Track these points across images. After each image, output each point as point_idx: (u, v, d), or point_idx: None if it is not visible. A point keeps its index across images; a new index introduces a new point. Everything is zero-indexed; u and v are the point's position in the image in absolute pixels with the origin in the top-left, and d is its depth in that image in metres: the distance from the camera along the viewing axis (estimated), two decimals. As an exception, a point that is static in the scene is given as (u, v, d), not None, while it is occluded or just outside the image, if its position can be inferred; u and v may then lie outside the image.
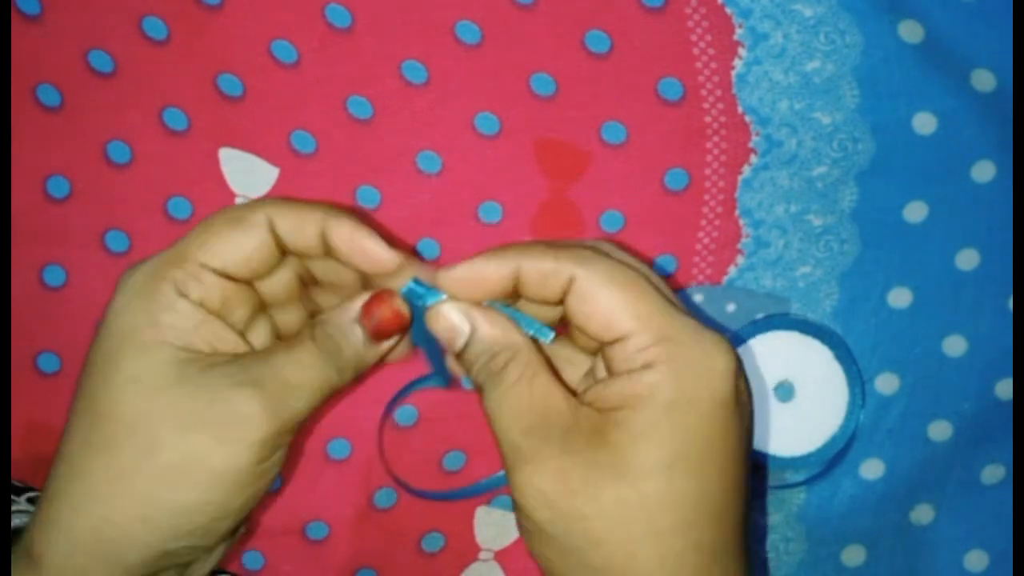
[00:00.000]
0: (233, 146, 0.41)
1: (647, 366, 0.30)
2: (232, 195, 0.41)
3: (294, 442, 0.39)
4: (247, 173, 0.41)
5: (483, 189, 0.41)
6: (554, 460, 0.30)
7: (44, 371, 0.42)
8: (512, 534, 0.43)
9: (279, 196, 0.35)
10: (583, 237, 0.41)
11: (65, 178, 0.41)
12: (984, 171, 0.40)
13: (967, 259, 0.41)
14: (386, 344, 0.33)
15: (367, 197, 0.41)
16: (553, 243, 0.33)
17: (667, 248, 0.41)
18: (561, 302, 0.32)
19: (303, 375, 0.32)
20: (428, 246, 0.41)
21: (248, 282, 0.34)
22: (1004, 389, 0.42)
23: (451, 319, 0.32)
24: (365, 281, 0.34)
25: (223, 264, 0.33)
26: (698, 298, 0.41)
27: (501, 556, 0.43)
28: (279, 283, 0.35)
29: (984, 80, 0.39)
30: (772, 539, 0.43)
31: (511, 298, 0.33)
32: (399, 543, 0.43)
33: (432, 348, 0.34)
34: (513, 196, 0.41)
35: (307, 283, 0.35)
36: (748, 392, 0.32)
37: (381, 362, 0.35)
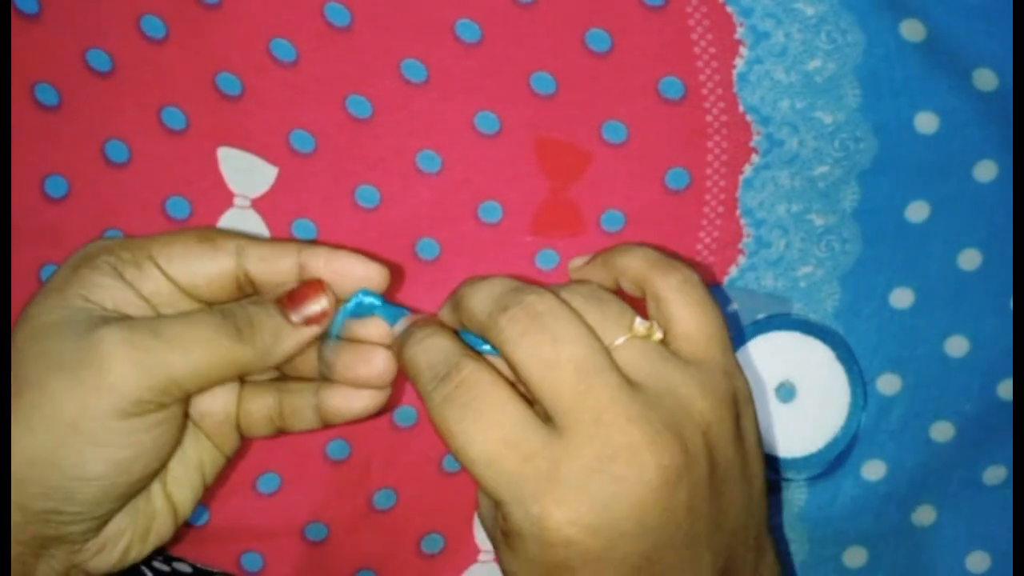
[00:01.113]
0: (232, 145, 0.41)
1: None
2: (231, 194, 0.41)
3: (296, 442, 0.38)
4: (246, 172, 0.41)
5: (483, 188, 0.41)
6: (519, 473, 0.28)
7: (42, 371, 0.42)
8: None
9: (253, 236, 0.34)
10: (584, 237, 0.41)
11: (63, 177, 0.41)
12: (986, 171, 0.40)
13: (969, 259, 0.41)
14: (307, 331, 0.32)
15: (366, 196, 0.41)
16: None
17: (668, 248, 0.41)
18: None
19: (192, 333, 0.30)
20: (427, 246, 0.41)
21: (187, 294, 0.33)
22: (1006, 389, 0.42)
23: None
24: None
25: (173, 272, 0.32)
26: (699, 298, 0.41)
27: (501, 557, 0.43)
28: (211, 270, 0.33)
29: (986, 79, 0.39)
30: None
31: None
32: (398, 544, 0.43)
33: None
34: (513, 195, 0.41)
35: (243, 284, 0.34)
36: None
37: (347, 420, 0.34)
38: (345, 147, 0.40)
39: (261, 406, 0.35)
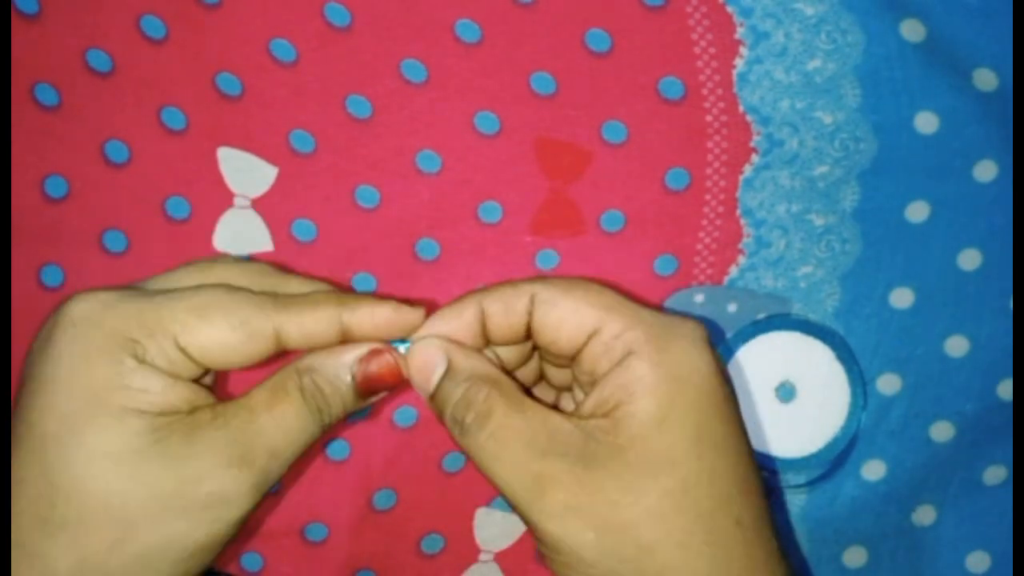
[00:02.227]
0: (232, 145, 0.41)
1: (629, 353, 0.30)
2: (231, 194, 0.41)
3: None
4: (246, 172, 0.41)
5: (483, 188, 0.41)
6: (583, 474, 0.29)
7: (42, 372, 0.42)
8: (512, 535, 0.43)
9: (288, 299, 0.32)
10: (584, 237, 0.41)
11: (63, 178, 0.41)
12: (986, 171, 0.40)
13: (969, 259, 0.41)
14: (372, 399, 0.32)
15: (366, 196, 0.41)
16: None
17: (668, 248, 0.41)
18: (528, 335, 0.32)
19: (290, 439, 0.30)
20: (428, 246, 0.41)
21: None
22: (1006, 390, 0.42)
23: (426, 354, 0.31)
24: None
25: (203, 356, 0.30)
26: (699, 298, 0.41)
27: (501, 557, 0.43)
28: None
29: (986, 79, 0.39)
30: (773, 540, 0.43)
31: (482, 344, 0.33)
32: (398, 544, 0.43)
33: None
34: (513, 195, 0.41)
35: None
36: (721, 359, 0.32)
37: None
38: (345, 147, 0.40)
39: None
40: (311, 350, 0.32)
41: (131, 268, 0.41)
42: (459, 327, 0.32)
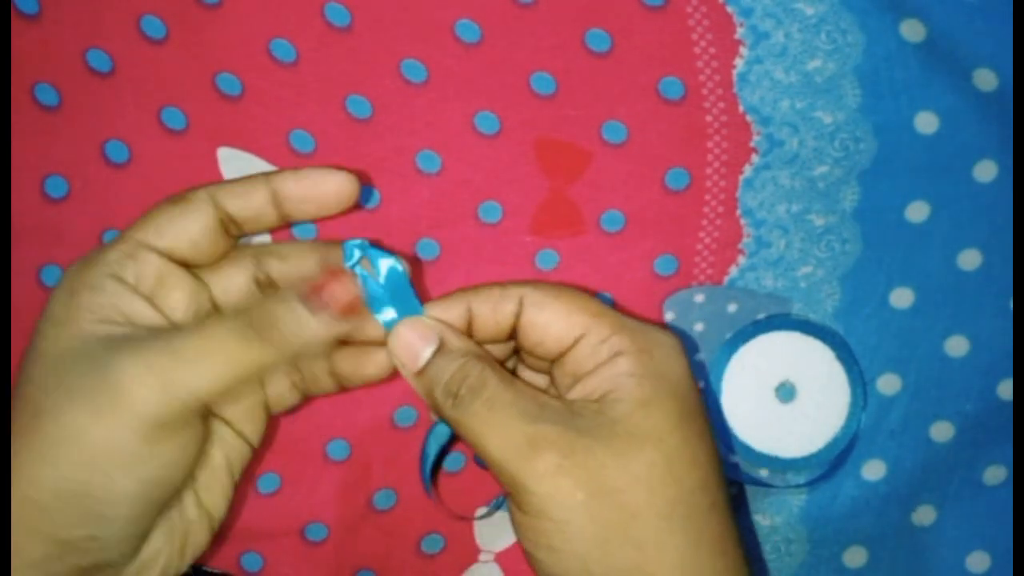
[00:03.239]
0: (232, 145, 0.40)
1: (617, 354, 0.32)
2: (231, 195, 0.41)
3: (295, 443, 0.39)
4: (246, 172, 0.40)
5: (483, 188, 0.41)
6: (574, 439, 0.30)
7: (42, 372, 0.42)
8: (513, 535, 0.43)
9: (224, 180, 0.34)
10: (584, 237, 0.41)
11: (63, 178, 0.41)
12: (986, 171, 0.40)
13: (969, 259, 0.41)
14: (336, 327, 0.31)
15: (366, 196, 0.41)
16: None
17: (668, 248, 0.41)
18: (511, 336, 0.34)
19: (207, 346, 0.29)
20: (427, 246, 0.41)
21: (193, 267, 0.33)
22: (1006, 390, 0.42)
23: (418, 330, 0.33)
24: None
25: (165, 243, 0.32)
26: (699, 298, 0.41)
27: (501, 557, 0.43)
28: (233, 284, 0.34)
29: (986, 79, 0.39)
30: (774, 541, 0.43)
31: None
32: (398, 545, 0.43)
33: (400, 307, 0.33)
34: (513, 196, 0.41)
35: (263, 286, 0.35)
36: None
37: (362, 382, 0.35)
38: (345, 147, 0.40)
39: (283, 380, 0.36)
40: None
41: (131, 268, 0.41)
42: (447, 321, 0.33)
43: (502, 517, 0.43)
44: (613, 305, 0.41)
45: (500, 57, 0.39)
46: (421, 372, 0.32)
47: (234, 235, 0.34)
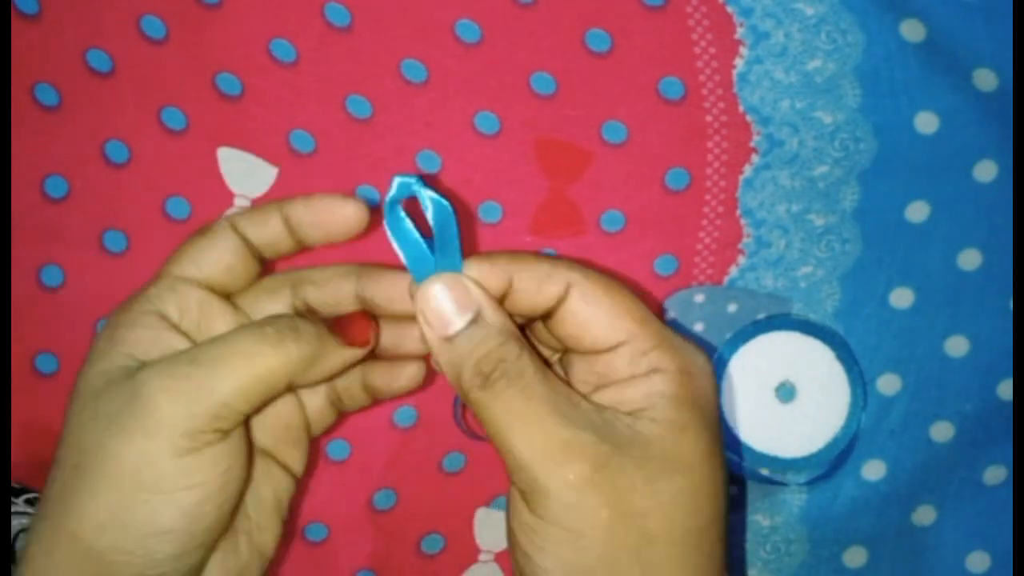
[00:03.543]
0: (232, 145, 0.41)
1: (655, 370, 0.30)
2: (231, 195, 0.41)
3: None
4: (246, 173, 0.41)
5: (483, 188, 0.41)
6: (609, 454, 0.29)
7: (42, 372, 0.42)
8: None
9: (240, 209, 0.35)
10: (584, 237, 0.41)
11: (63, 178, 0.41)
12: (986, 171, 0.40)
13: (969, 259, 0.41)
14: (354, 351, 0.32)
15: (367, 196, 0.41)
16: (537, 254, 0.32)
17: (668, 248, 0.41)
18: (546, 314, 0.31)
19: (228, 349, 0.29)
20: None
21: (231, 295, 0.34)
22: (1006, 390, 0.42)
23: (456, 292, 0.30)
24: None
25: (203, 273, 0.33)
26: (699, 298, 0.41)
27: (501, 558, 0.43)
28: (272, 311, 0.34)
29: (986, 79, 0.39)
30: (774, 541, 0.43)
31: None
32: (398, 545, 0.43)
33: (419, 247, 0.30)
34: (513, 196, 0.41)
35: (303, 314, 0.34)
36: None
37: (395, 394, 0.35)
38: (345, 147, 0.40)
39: (320, 398, 0.36)
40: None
41: (131, 268, 0.41)
42: (486, 285, 0.31)
43: (503, 517, 0.43)
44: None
45: (500, 57, 0.40)
46: (450, 339, 0.30)
47: (261, 259, 0.34)
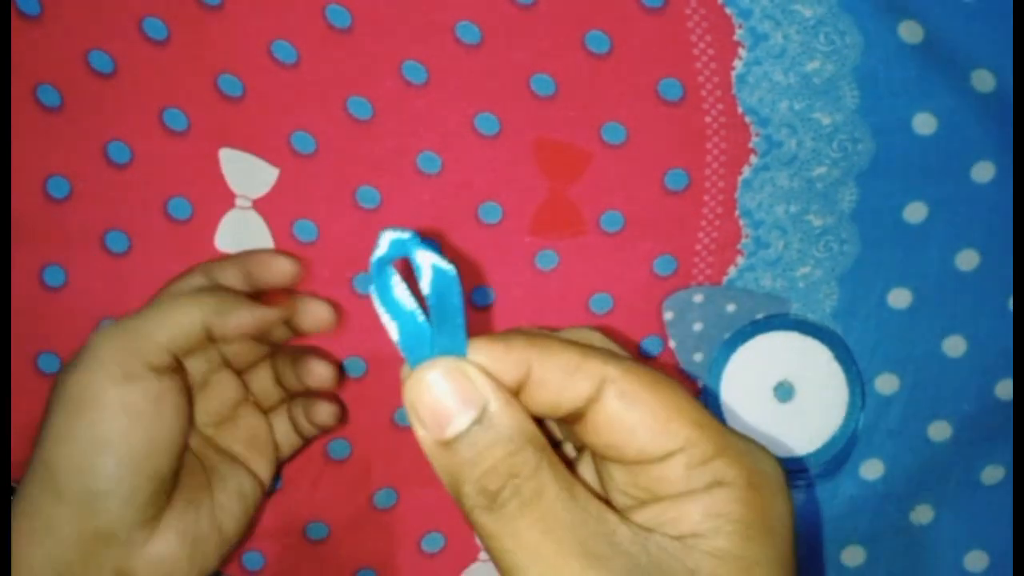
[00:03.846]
0: (233, 146, 0.41)
1: (718, 484, 0.24)
2: (232, 195, 0.41)
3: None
4: (247, 173, 0.41)
5: (483, 189, 0.41)
6: None
7: (44, 371, 0.42)
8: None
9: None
10: (583, 238, 0.41)
11: (65, 178, 0.41)
12: (984, 171, 0.40)
13: (967, 259, 0.41)
14: (264, 309, 0.36)
15: (367, 197, 0.41)
16: (558, 334, 0.26)
17: (667, 248, 0.41)
18: (572, 416, 0.25)
19: (158, 306, 0.35)
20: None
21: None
22: (1004, 390, 0.42)
23: (456, 381, 0.23)
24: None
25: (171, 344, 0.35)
26: (698, 298, 0.41)
27: (501, 556, 0.43)
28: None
29: (984, 80, 0.39)
30: (772, 539, 0.43)
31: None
32: (399, 543, 0.43)
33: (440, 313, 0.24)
34: (513, 196, 0.41)
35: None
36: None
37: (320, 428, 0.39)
38: (346, 148, 0.40)
39: (284, 422, 0.40)
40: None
41: (133, 268, 0.41)
42: (497, 374, 0.24)
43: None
44: (612, 308, 0.42)
45: (500, 58, 0.40)
46: (449, 443, 0.24)
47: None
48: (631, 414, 0.24)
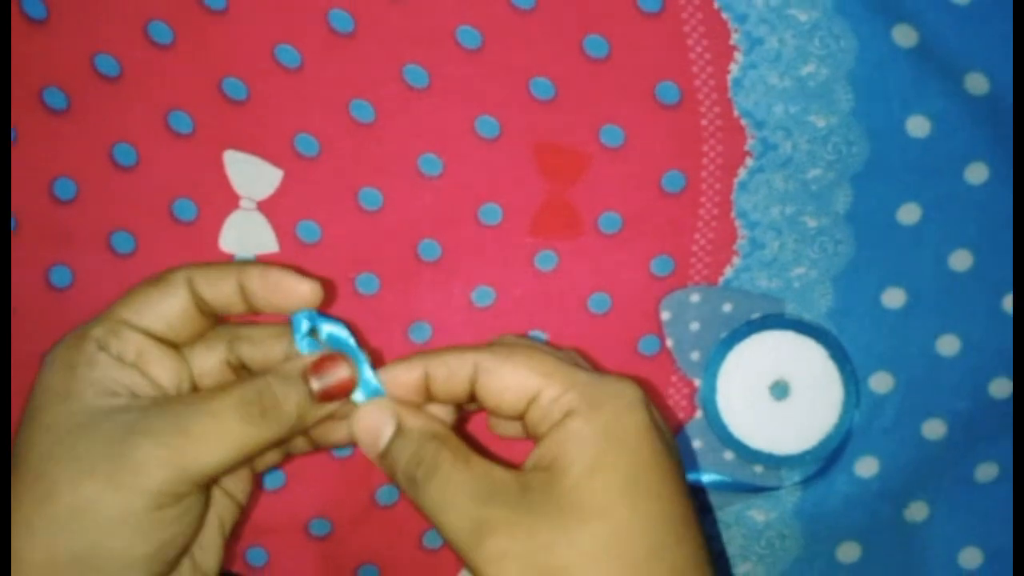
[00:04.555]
0: (238, 148, 0.41)
1: (567, 414, 0.31)
2: (237, 197, 0.41)
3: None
4: (251, 175, 0.41)
5: (483, 191, 0.41)
6: (520, 521, 0.30)
7: (51, 370, 0.42)
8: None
9: (202, 262, 0.35)
10: (582, 239, 0.41)
11: (71, 180, 0.41)
12: (977, 173, 0.40)
13: (960, 260, 0.41)
14: (331, 406, 0.34)
15: (369, 199, 0.41)
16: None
17: (664, 249, 0.41)
18: (472, 397, 0.33)
19: (214, 426, 0.31)
20: (429, 247, 0.41)
21: (174, 345, 0.34)
22: (997, 388, 0.42)
23: (374, 416, 0.33)
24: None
25: (145, 322, 0.34)
26: (695, 298, 0.42)
27: (501, 552, 0.43)
28: (207, 365, 0.35)
29: (977, 83, 0.39)
30: (768, 536, 0.43)
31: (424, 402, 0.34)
32: (401, 539, 0.43)
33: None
34: (513, 198, 0.41)
35: (235, 368, 0.36)
36: (663, 419, 0.33)
37: (337, 442, 0.36)
38: (349, 151, 0.40)
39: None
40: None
41: (139, 269, 0.41)
42: (405, 384, 0.33)
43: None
44: (610, 308, 0.42)
45: (500, 63, 0.40)
46: (383, 455, 0.33)
47: (210, 315, 0.35)
48: (494, 381, 0.32)
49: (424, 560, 0.43)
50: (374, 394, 0.33)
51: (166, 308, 0.34)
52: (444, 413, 0.35)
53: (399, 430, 0.33)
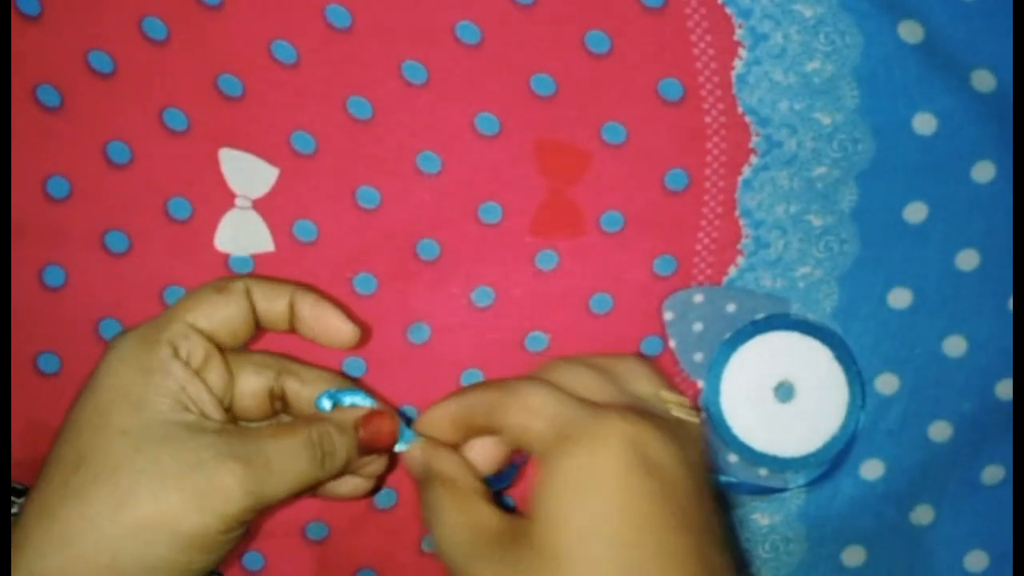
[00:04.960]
0: (233, 146, 0.41)
1: (544, 456, 0.32)
2: (232, 195, 0.41)
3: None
4: (247, 173, 0.41)
5: (483, 189, 0.41)
6: (502, 572, 0.31)
7: (44, 371, 0.42)
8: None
9: (256, 275, 0.38)
10: (583, 238, 0.41)
11: (65, 178, 0.41)
12: (984, 171, 0.40)
13: (967, 259, 0.41)
14: (368, 458, 0.37)
15: (367, 197, 0.41)
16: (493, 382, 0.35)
17: (667, 248, 0.41)
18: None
19: (289, 464, 0.33)
20: (428, 247, 0.41)
21: (224, 351, 0.36)
22: (1004, 389, 0.42)
23: (412, 456, 0.36)
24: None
25: (209, 325, 0.35)
26: (698, 298, 0.42)
27: (501, 556, 0.43)
28: (249, 387, 0.37)
29: (984, 80, 0.39)
30: (772, 539, 0.43)
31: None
32: (399, 543, 0.43)
33: None
34: (513, 196, 0.41)
35: (274, 398, 0.37)
36: (673, 454, 0.32)
37: (343, 496, 0.38)
38: (346, 148, 0.40)
39: None
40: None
41: (133, 268, 0.41)
42: (439, 428, 0.36)
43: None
44: (612, 309, 0.42)
45: (500, 58, 0.40)
46: (422, 481, 0.36)
47: (257, 326, 0.37)
48: (498, 419, 0.34)
49: (422, 564, 0.43)
50: (410, 441, 0.36)
51: (230, 315, 0.35)
52: (489, 445, 0.36)
53: (429, 463, 0.35)
